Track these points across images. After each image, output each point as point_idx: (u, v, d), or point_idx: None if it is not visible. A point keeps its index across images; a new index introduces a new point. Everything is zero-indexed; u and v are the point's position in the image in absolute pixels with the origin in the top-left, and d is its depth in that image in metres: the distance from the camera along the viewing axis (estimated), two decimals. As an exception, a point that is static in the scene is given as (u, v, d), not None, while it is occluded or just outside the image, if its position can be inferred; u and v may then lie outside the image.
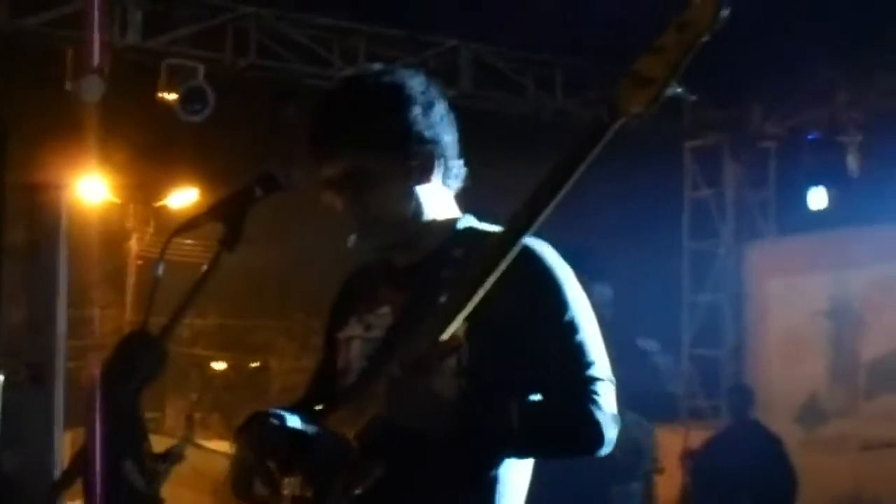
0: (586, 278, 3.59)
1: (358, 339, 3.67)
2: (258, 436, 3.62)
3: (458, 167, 3.69)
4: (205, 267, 3.51)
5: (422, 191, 3.60)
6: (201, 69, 13.64)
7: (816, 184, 15.19)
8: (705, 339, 16.84)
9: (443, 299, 3.30)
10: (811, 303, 15.07)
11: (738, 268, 16.51)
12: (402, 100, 3.57)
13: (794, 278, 15.56)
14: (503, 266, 3.22)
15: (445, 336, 3.24)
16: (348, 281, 3.88)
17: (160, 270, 3.61)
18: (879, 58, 14.14)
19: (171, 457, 10.29)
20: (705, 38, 3.01)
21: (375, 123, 3.53)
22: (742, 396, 13.68)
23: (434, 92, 3.65)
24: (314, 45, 14.23)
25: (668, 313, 16.82)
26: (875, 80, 14.62)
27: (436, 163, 3.61)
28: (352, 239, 3.61)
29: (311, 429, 3.58)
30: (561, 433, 3.48)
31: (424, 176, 3.60)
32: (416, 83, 3.62)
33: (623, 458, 13.06)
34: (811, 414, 14.81)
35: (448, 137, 3.64)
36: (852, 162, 14.78)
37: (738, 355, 16.24)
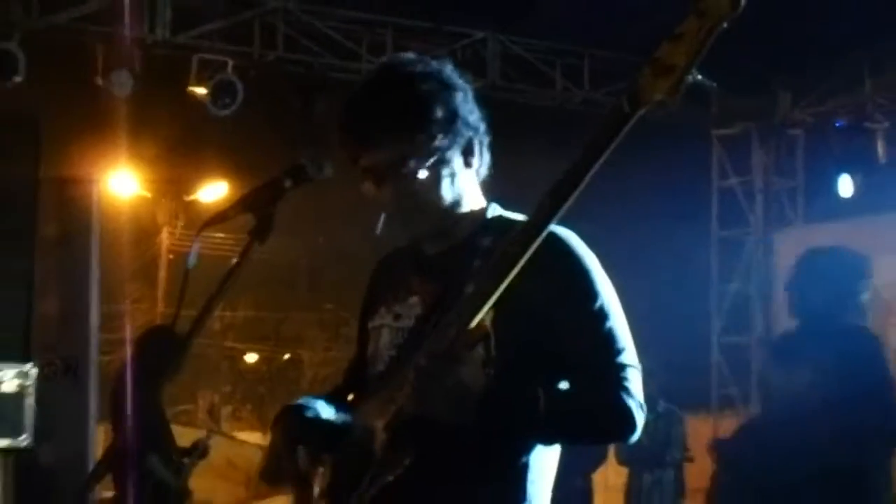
0: None
1: (387, 328, 3.67)
2: (290, 426, 3.67)
3: (486, 155, 3.68)
4: (235, 259, 3.55)
5: (462, 178, 3.60)
6: (230, 63, 13.69)
7: (845, 171, 15.18)
8: (735, 327, 16.83)
9: (470, 288, 3.29)
10: (839, 290, 15.00)
11: (766, 256, 16.49)
12: (444, 86, 3.56)
13: (823, 266, 15.51)
14: (528, 254, 3.21)
15: (472, 325, 3.24)
16: (378, 269, 3.89)
17: (192, 260, 3.64)
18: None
19: (198, 450, 10.38)
20: (724, 25, 3.00)
21: (419, 109, 3.51)
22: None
23: (467, 80, 3.64)
24: (342, 38, 14.25)
25: (698, 302, 16.80)
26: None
27: (475, 149, 3.61)
28: (379, 225, 3.60)
29: (341, 419, 3.61)
30: (590, 420, 3.48)
31: (467, 161, 3.60)
32: (450, 71, 3.62)
33: (653, 447, 13.13)
34: (840, 400, 14.77)
35: (483, 125, 3.64)
36: (880, 149, 14.76)
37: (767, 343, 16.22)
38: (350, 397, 3.67)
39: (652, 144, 14.95)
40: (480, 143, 3.61)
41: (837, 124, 15.48)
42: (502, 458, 3.50)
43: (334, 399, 3.73)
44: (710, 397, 16.67)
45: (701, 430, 14.26)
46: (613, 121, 3.09)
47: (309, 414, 3.68)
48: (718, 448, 13.96)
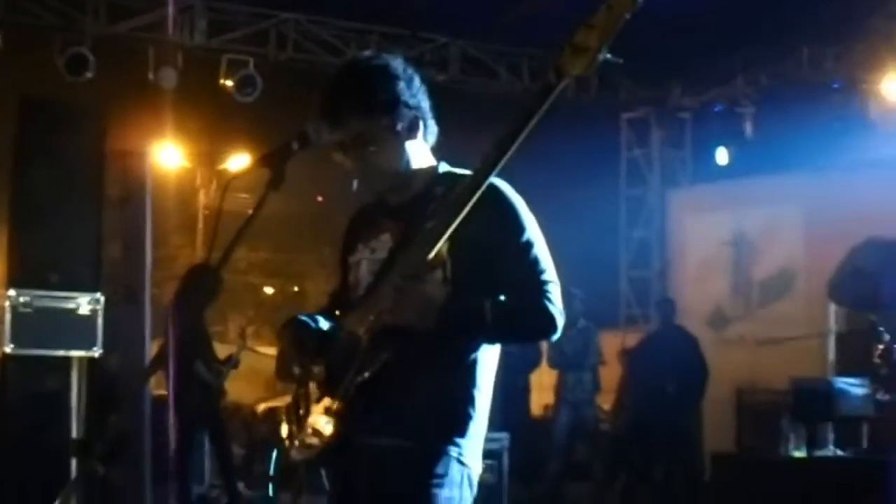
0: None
1: (365, 260, 3.70)
2: (293, 333, 3.71)
3: (433, 126, 3.71)
4: (250, 211, 3.57)
5: (409, 146, 3.62)
6: (251, 62, 13.66)
7: (721, 144, 15.24)
8: (638, 263, 16.87)
9: (429, 225, 3.35)
10: (718, 235, 15.08)
11: (662, 209, 16.51)
12: (388, 76, 3.59)
13: (705, 216, 15.57)
14: (475, 198, 3.28)
15: (433, 254, 3.32)
16: (354, 217, 3.90)
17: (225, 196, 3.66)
18: (767, 50, 14.21)
19: (230, 362, 10.39)
20: (628, 16, 3.06)
21: (370, 96, 3.55)
22: (667, 306, 13.74)
23: (412, 70, 3.66)
24: (337, 42, 14.22)
25: (610, 245, 16.84)
26: (764, 66, 14.64)
27: (419, 123, 3.64)
28: (354, 185, 3.64)
29: (332, 327, 3.65)
30: (523, 321, 3.52)
31: (411, 134, 3.62)
32: (397, 63, 3.64)
33: (576, 354, 13.19)
34: (718, 319, 14.85)
35: (425, 104, 3.66)
36: (748, 127, 14.80)
37: (663, 276, 16.26)
38: (337, 312, 3.70)
39: (574, 124, 15.01)
40: (424, 119, 3.65)
41: (716, 109, 15.51)
42: (457, 355, 3.54)
43: (325, 314, 3.76)
44: (619, 317, 16.71)
45: (611, 343, 14.33)
46: (543, 90, 3.17)
47: (307, 324, 3.71)
48: (626, 355, 14.16)
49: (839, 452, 10.54)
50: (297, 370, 3.66)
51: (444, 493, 3.50)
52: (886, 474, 9.55)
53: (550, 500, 13.20)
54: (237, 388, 13.82)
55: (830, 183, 13.46)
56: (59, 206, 9.62)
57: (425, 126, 3.68)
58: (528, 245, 3.52)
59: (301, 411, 3.60)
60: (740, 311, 14.72)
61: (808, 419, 10.87)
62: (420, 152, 3.67)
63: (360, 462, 3.53)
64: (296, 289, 30.31)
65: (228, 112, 14.78)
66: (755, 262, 14.63)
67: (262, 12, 13.86)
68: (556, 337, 3.55)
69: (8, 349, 9.21)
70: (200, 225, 24.35)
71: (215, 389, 10.46)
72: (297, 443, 3.58)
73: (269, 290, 31.15)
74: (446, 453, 3.52)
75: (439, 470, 3.50)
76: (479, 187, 3.30)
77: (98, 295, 9.63)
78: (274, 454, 3.49)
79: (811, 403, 10.82)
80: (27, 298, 9.30)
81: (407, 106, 3.59)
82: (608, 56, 3.11)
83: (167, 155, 17.04)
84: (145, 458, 9.63)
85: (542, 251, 3.54)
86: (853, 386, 10.63)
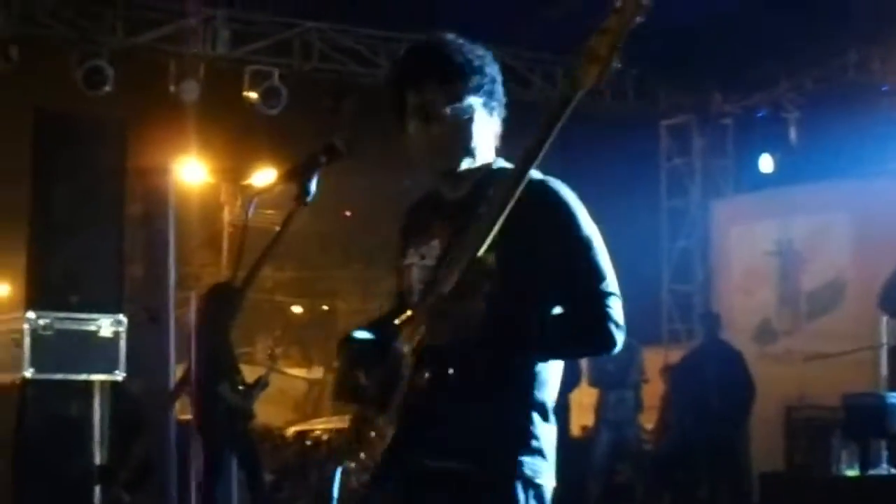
0: None
1: (416, 266, 3.63)
2: (347, 351, 3.68)
3: (500, 125, 3.64)
4: (277, 228, 3.55)
5: (483, 132, 3.56)
6: (276, 73, 13.70)
7: (765, 151, 15.20)
8: (681, 276, 16.86)
9: (471, 231, 3.27)
10: (763, 245, 15.06)
11: (705, 220, 16.49)
12: (492, 59, 3.57)
13: (750, 226, 15.54)
14: (513, 199, 3.21)
15: (476, 262, 3.23)
16: (408, 213, 3.82)
17: (251, 211, 3.64)
18: (812, 53, 14.18)
19: (259, 385, 10.41)
20: (639, 20, 3.03)
21: (470, 67, 3.50)
22: (711, 321, 13.66)
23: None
24: (364, 50, 14.26)
25: (651, 257, 16.82)
26: (809, 70, 14.62)
27: (498, 115, 3.59)
28: (409, 185, 3.61)
29: (383, 343, 3.60)
30: (578, 341, 3.47)
31: (490, 121, 3.57)
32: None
33: (617, 372, 13.16)
34: (764, 333, 14.81)
35: (505, 101, 3.62)
36: (793, 133, 14.78)
37: (707, 288, 16.24)
38: (396, 322, 3.64)
39: (612, 133, 15.02)
40: (500, 113, 3.59)
41: (759, 114, 15.49)
42: (512, 370, 3.47)
43: (384, 326, 3.68)
44: (661, 332, 16.68)
45: (654, 359, 14.29)
46: (562, 100, 3.15)
47: (361, 341, 3.68)
48: (668, 372, 14.11)
49: (893, 471, 10.47)
50: (353, 390, 3.63)
51: None
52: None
53: (591, 524, 13.17)
54: (265, 411, 13.82)
55: (879, 190, 13.42)
56: (79, 225, 9.65)
57: (500, 120, 3.63)
58: (584, 247, 3.44)
59: (358, 432, 3.56)
60: (788, 325, 14.67)
61: (860, 436, 10.81)
62: (487, 144, 3.60)
63: (417, 485, 3.49)
64: (325, 307, 30.37)
65: (253, 125, 14.84)
66: (802, 272, 14.58)
67: (287, 21, 13.91)
68: (614, 353, 3.47)
69: (28, 373, 9.23)
70: (225, 242, 24.44)
71: (243, 412, 10.47)
72: (353, 465, 3.56)
73: (296, 310, 31.25)
74: (508, 473, 3.46)
75: (501, 490, 3.45)
76: (515, 188, 3.22)
77: (120, 316, 9.65)
78: (337, 474, 3.45)
79: (863, 420, 10.76)
80: (47, 321, 9.32)
81: (497, 94, 3.57)
82: (619, 65, 3.09)
83: (190, 170, 17.14)
84: (171, 485, 9.66)
85: (601, 257, 3.46)
86: (907, 401, 10.58)
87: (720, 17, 12.06)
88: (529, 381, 3.49)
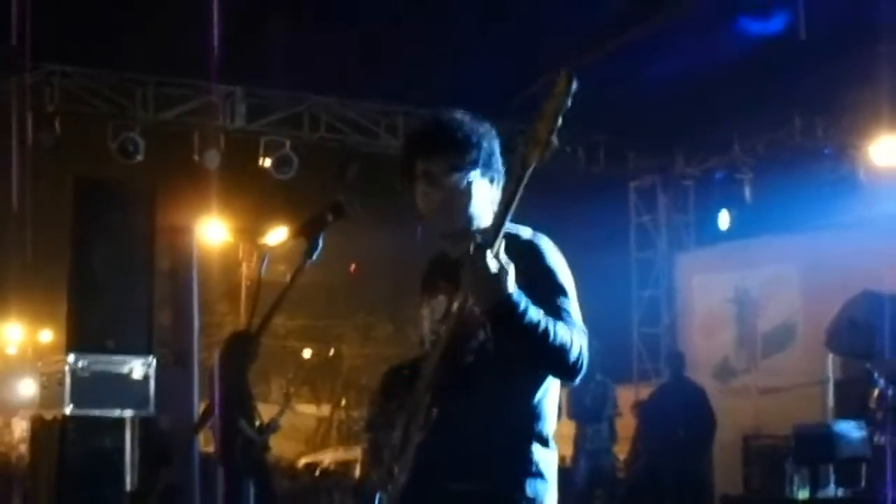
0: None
1: (426, 319, 3.69)
2: (384, 384, 3.72)
3: (498, 192, 3.62)
4: (288, 276, 3.59)
5: (483, 198, 3.58)
6: (288, 142, 13.80)
7: (723, 208, 15.25)
8: (649, 321, 16.85)
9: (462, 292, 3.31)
10: (722, 293, 15.11)
11: (670, 270, 16.52)
12: (493, 136, 3.61)
13: (710, 276, 15.59)
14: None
15: (463, 318, 3.32)
16: (427, 269, 3.82)
17: (265, 267, 3.66)
18: (763, 121, 14.32)
19: (271, 427, 10.42)
20: (568, 103, 3.05)
21: (477, 139, 3.56)
22: (676, 360, 13.65)
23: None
24: (366, 122, 14.36)
25: (623, 303, 16.84)
26: (760, 135, 14.74)
27: (497, 184, 3.61)
28: (419, 232, 3.63)
29: (409, 382, 3.60)
30: (561, 339, 3.34)
31: (491, 189, 3.60)
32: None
33: (594, 406, 13.18)
34: (724, 371, 14.82)
35: (503, 171, 3.63)
36: (747, 192, 14.85)
37: (672, 331, 16.24)
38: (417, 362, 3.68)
39: (587, 193, 15.10)
40: (499, 182, 3.61)
41: (717, 175, 15.57)
42: (515, 404, 3.50)
43: (417, 363, 3.67)
44: (632, 371, 16.68)
45: (626, 395, 14.31)
46: (515, 178, 3.13)
47: (396, 374, 3.70)
48: (639, 407, 14.13)
49: (840, 492, 10.50)
50: (386, 418, 3.64)
51: None
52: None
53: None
54: (279, 444, 13.84)
55: (825, 242, 13.47)
56: (114, 279, 9.77)
57: (497, 189, 3.62)
58: (561, 293, 3.46)
59: (389, 459, 3.59)
60: (745, 363, 14.70)
61: (810, 462, 10.86)
62: (488, 209, 3.59)
63: None
64: (332, 351, 30.39)
65: (268, 189, 14.90)
66: (758, 316, 14.63)
67: (297, 95, 14.01)
68: (578, 378, 3.41)
69: (68, 410, 9.33)
70: (243, 295, 24.47)
71: (259, 445, 10.50)
72: (389, 488, 3.57)
73: (306, 353, 31.21)
74: (514, 495, 3.49)
75: None
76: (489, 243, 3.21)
77: (150, 359, 9.74)
78: (378, 499, 3.45)
79: (813, 447, 10.81)
80: (85, 363, 9.44)
81: (496, 165, 3.61)
82: (556, 143, 3.13)
83: (212, 230, 17.16)
84: (195, 509, 9.69)
85: (572, 304, 3.47)
86: (851, 430, 10.63)
87: (681, 90, 12.18)
88: (531, 413, 3.53)
